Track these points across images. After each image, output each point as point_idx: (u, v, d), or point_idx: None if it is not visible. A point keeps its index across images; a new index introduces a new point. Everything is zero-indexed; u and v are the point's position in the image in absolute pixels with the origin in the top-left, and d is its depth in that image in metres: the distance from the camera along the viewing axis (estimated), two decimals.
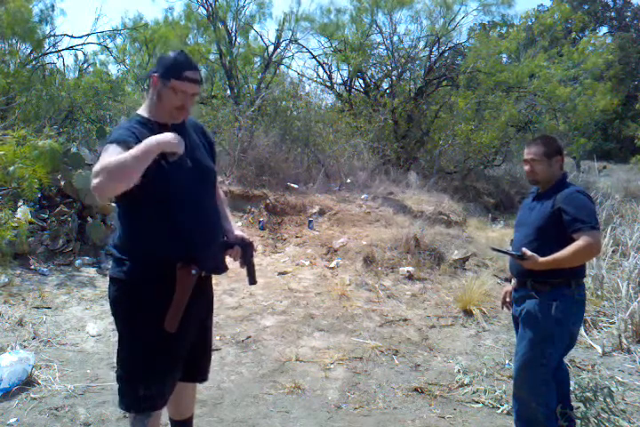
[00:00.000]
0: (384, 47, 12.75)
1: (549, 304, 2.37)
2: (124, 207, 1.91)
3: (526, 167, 2.52)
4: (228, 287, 4.88)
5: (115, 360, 3.42)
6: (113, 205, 5.86)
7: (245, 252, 2.07)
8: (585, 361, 3.67)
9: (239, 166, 8.07)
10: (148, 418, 1.96)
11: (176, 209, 1.86)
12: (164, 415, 2.27)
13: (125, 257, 1.88)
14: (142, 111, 1.94)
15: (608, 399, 2.84)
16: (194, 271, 1.86)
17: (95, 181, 1.62)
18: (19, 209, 5.00)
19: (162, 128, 1.86)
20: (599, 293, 4.92)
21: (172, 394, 2.04)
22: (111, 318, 4.11)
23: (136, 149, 1.67)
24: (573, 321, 2.44)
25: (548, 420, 2.42)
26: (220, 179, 7.56)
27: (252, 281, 2.13)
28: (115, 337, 3.80)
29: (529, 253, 2.35)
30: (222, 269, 2.07)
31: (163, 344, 1.91)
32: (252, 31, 12.39)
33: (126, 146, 1.70)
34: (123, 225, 1.92)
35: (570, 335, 2.46)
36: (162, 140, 1.73)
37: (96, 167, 1.65)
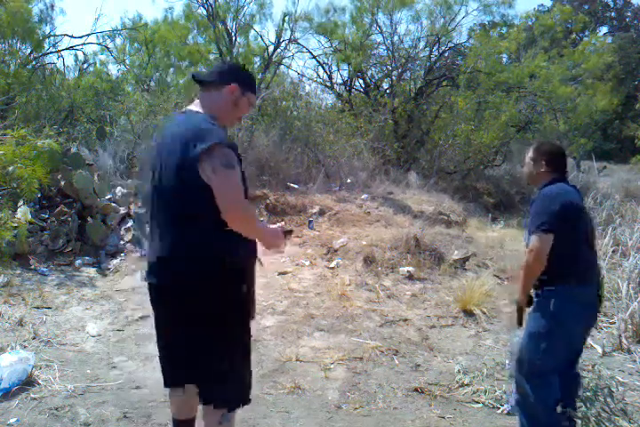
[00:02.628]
0: (384, 47, 12.78)
1: (548, 301, 2.41)
2: (209, 212, 1.88)
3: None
4: None
5: (115, 360, 3.44)
6: (113, 205, 5.87)
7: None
8: (585, 361, 3.67)
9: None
10: (234, 412, 2.07)
11: None
12: (163, 416, 2.27)
13: (210, 255, 1.91)
14: (206, 111, 2.01)
15: (609, 399, 2.84)
16: (258, 261, 2.08)
17: (241, 216, 1.86)
18: (18, 209, 4.99)
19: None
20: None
21: (185, 392, 2.11)
22: (111, 319, 4.13)
23: (265, 232, 1.99)
24: (574, 321, 2.43)
25: (549, 417, 2.41)
26: None
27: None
28: (114, 337, 3.82)
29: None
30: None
31: (249, 335, 2.07)
32: (252, 31, 12.38)
33: (240, 162, 1.93)
34: (205, 228, 1.91)
35: (571, 336, 2.45)
36: (278, 240, 2.03)
37: (238, 200, 1.85)
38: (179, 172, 1.87)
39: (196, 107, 2.04)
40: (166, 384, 2.16)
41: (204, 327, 1.95)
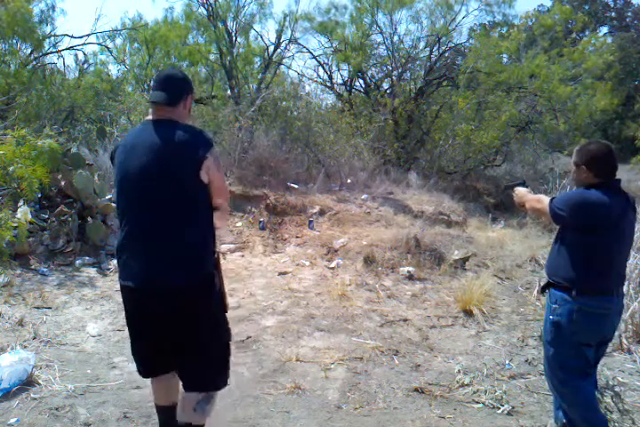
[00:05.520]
0: (384, 47, 12.75)
1: (551, 306, 2.43)
2: (205, 212, 2.14)
3: None
4: (228, 287, 4.88)
5: (115, 360, 3.44)
6: (113, 205, 5.86)
7: None
8: None
9: (239, 166, 8.07)
10: (213, 401, 2.25)
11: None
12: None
13: (209, 253, 2.15)
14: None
15: (615, 399, 2.85)
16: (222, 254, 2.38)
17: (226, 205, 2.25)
18: (19, 209, 4.99)
19: None
20: None
21: (168, 379, 2.28)
22: (111, 319, 4.13)
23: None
24: (579, 331, 2.34)
25: (585, 422, 2.36)
26: None
27: None
28: (115, 337, 3.82)
29: (521, 190, 2.70)
30: None
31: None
32: (252, 31, 12.36)
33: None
34: (203, 227, 2.13)
35: (577, 345, 2.35)
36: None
37: (225, 191, 2.20)
38: (181, 175, 2.02)
39: (160, 117, 2.10)
40: (147, 375, 2.30)
41: (210, 319, 2.13)
